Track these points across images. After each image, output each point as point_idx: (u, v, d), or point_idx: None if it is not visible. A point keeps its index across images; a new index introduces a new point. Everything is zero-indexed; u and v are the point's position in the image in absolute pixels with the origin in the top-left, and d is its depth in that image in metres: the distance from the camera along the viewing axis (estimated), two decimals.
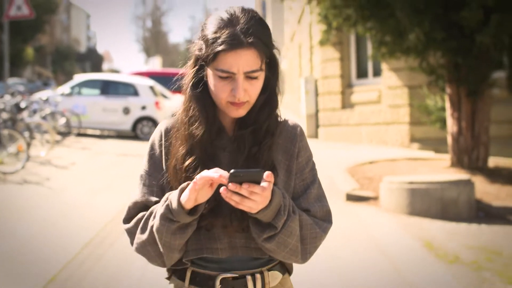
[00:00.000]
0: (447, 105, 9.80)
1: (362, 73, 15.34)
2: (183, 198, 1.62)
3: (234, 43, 1.65)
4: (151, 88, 16.75)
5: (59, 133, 14.41)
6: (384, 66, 13.84)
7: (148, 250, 1.75)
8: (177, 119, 1.83)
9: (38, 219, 7.25)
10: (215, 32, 1.68)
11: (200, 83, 1.76)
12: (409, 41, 8.19)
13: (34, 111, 13.84)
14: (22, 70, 62.89)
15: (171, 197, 1.67)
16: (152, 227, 1.71)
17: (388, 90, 13.97)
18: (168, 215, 1.65)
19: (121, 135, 17.05)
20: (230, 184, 1.52)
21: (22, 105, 11.81)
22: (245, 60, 1.66)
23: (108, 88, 16.74)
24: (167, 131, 1.85)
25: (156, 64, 79.68)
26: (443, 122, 10.62)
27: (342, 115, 15.46)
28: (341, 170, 10.26)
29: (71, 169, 10.98)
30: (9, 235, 6.54)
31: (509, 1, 7.73)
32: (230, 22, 1.68)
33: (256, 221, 1.67)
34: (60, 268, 5.37)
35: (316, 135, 16.35)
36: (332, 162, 10.89)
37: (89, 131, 16.82)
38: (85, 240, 6.27)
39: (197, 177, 1.58)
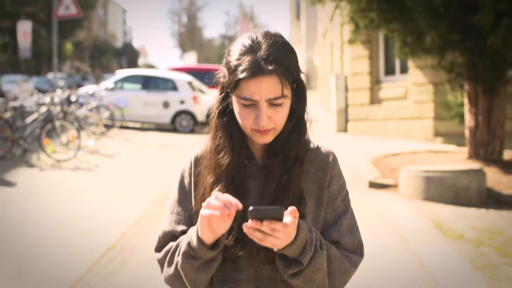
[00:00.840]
0: (465, 101, 10.51)
1: (389, 70, 16.05)
2: (200, 232, 1.61)
3: (254, 71, 1.63)
4: (189, 83, 17.70)
5: (104, 125, 15.45)
6: (410, 64, 14.50)
7: (175, 284, 1.76)
8: (206, 147, 1.82)
9: (91, 201, 8.21)
10: (237, 59, 1.67)
11: (226, 111, 1.75)
12: (427, 42, 8.96)
13: (81, 105, 14.88)
14: (61, 64, 64.64)
15: (191, 233, 1.66)
16: (177, 262, 1.71)
17: (413, 86, 14.66)
18: (190, 252, 1.64)
19: (160, 128, 18.04)
20: (250, 221, 1.49)
21: (73, 98, 12.82)
22: (267, 87, 1.64)
23: (148, 83, 17.77)
24: (197, 160, 1.84)
25: (191, 59, 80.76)
26: (461, 117, 11.33)
27: (370, 110, 16.20)
28: (366, 161, 11.05)
29: (117, 158, 11.97)
30: (68, 214, 7.50)
31: None
32: (251, 49, 1.67)
33: (282, 256, 1.64)
34: (118, 238, 6.32)
35: (345, 130, 17.13)
36: (359, 154, 11.69)
37: (131, 124, 17.83)
38: (135, 218, 7.23)
39: (204, 203, 1.58)
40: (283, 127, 1.72)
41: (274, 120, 1.68)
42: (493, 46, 8.66)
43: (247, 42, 1.69)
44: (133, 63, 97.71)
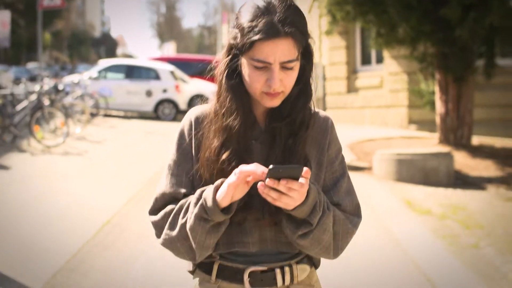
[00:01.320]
0: (436, 89, 11.14)
1: (366, 60, 16.67)
2: (219, 196, 1.60)
3: (271, 32, 1.62)
4: (172, 72, 18.21)
5: (89, 113, 15.84)
6: (386, 54, 15.11)
7: (177, 246, 1.73)
8: (210, 109, 1.79)
9: (83, 183, 8.69)
10: (251, 21, 1.64)
11: (234, 73, 1.73)
12: (399, 33, 9.56)
13: (67, 93, 15.25)
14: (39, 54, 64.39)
15: (205, 195, 1.64)
16: (182, 224, 1.69)
17: (389, 76, 15.27)
18: (203, 215, 1.62)
19: (143, 116, 18.51)
20: (268, 180, 1.50)
21: (60, 87, 13.21)
22: (282, 50, 1.64)
23: (132, 73, 18.24)
24: (198, 121, 1.80)
25: (170, 49, 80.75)
26: (433, 104, 11.96)
27: (347, 99, 16.80)
28: (343, 146, 11.59)
29: (104, 144, 12.43)
30: (62, 195, 7.98)
31: (485, 0, 9.02)
32: (266, 10, 1.65)
33: (290, 218, 1.65)
34: (112, 215, 6.82)
35: None
36: None
37: (114, 112, 18.24)
38: (126, 199, 7.73)
39: (236, 171, 1.57)
40: (291, 93, 1.72)
41: (284, 83, 1.67)
42: (461, 38, 9.24)
43: (262, 3, 1.66)
44: (111, 53, 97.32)
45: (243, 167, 1.56)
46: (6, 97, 11.82)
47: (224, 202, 1.59)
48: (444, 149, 9.89)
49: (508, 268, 5.08)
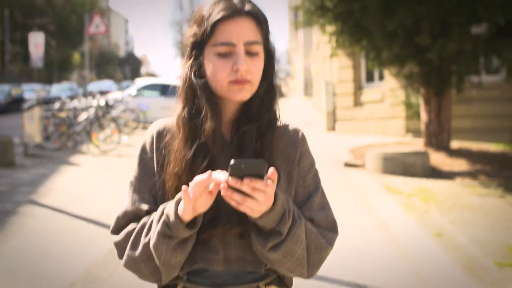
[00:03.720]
0: (421, 101, 13.54)
1: (370, 78, 19.12)
2: (181, 210, 1.51)
3: (231, 10, 1.59)
4: None
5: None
6: (386, 72, 17.52)
7: (140, 267, 1.64)
8: (174, 120, 1.70)
9: None
10: (210, 8, 1.62)
11: (200, 74, 1.65)
12: (383, 57, 12.06)
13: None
14: (69, 74, 67.58)
15: (167, 211, 1.54)
16: (145, 244, 1.60)
17: (389, 91, 17.67)
18: (167, 232, 1.53)
19: None
20: (230, 178, 1.40)
21: (110, 103, 15.82)
22: (244, 29, 1.59)
23: (165, 90, 20.87)
24: (159, 133, 1.72)
25: None
26: (419, 114, 14.36)
27: (354, 112, 19.23)
28: (346, 150, 14.08)
29: None
30: (119, 185, 10.48)
31: (450, 29, 11.39)
32: None
33: (259, 230, 1.57)
34: None
35: (334, 129, 20.15)
36: (342, 146, 14.74)
37: (149, 125, 20.79)
38: None
39: (191, 184, 1.47)
40: (257, 91, 1.65)
41: (252, 70, 1.60)
42: (432, 60, 11.65)
43: None
44: (136, 72, 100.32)
45: (197, 179, 1.46)
46: (70, 110, 14.45)
47: (186, 216, 1.51)
48: (422, 149, 12.28)
49: (447, 221, 7.46)
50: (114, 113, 16.44)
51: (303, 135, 1.79)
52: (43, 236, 6.97)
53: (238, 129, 1.66)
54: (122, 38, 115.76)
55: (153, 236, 1.57)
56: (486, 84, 15.09)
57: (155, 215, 1.60)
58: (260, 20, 1.63)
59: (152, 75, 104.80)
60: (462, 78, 12.40)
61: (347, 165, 12.17)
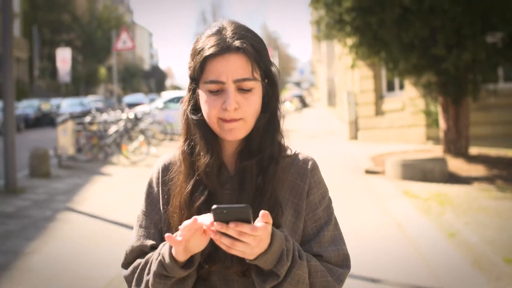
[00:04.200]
0: (439, 109, 13.91)
1: (390, 87, 19.51)
2: (174, 252, 1.49)
3: (220, 47, 1.55)
4: None
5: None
6: (406, 82, 17.89)
7: None
8: (177, 154, 1.70)
9: None
10: (203, 42, 1.60)
11: (197, 109, 1.64)
12: (401, 67, 12.50)
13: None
14: (96, 88, 68.78)
15: (163, 251, 1.54)
16: (147, 281, 1.59)
17: (409, 100, 18.05)
18: (162, 272, 1.53)
19: None
20: (215, 223, 1.37)
21: (139, 115, 16.43)
22: (234, 67, 1.54)
23: None
24: (165, 168, 1.73)
25: None
26: (438, 122, 14.74)
27: (375, 121, 19.63)
28: (367, 157, 14.50)
29: None
30: None
31: (465, 40, 11.78)
32: (218, 31, 1.60)
33: (258, 270, 1.52)
34: None
35: (356, 137, 20.56)
36: (363, 154, 15.16)
37: (176, 137, 21.46)
38: None
39: (180, 227, 1.45)
40: (257, 124, 1.60)
41: (243, 108, 1.56)
42: (449, 70, 12.05)
43: (214, 28, 1.62)
44: (160, 85, 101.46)
45: (184, 223, 1.44)
46: (101, 123, 15.09)
47: (180, 256, 1.48)
48: (441, 155, 12.64)
49: (461, 223, 7.86)
50: (142, 125, 17.03)
51: (313, 165, 1.71)
52: (80, 240, 7.52)
53: (241, 162, 1.63)
54: (146, 52, 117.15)
55: (151, 276, 1.57)
56: (504, 91, 15.49)
57: (155, 254, 1.60)
58: (252, 55, 1.57)
59: (176, 87, 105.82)
60: (477, 86, 12.75)
61: (368, 172, 12.58)
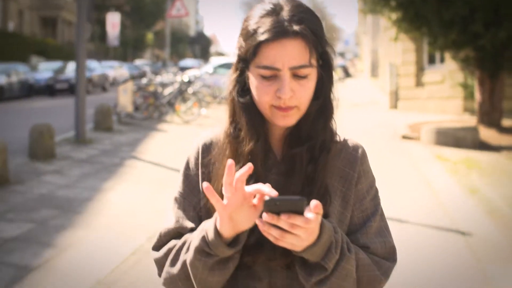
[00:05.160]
0: (476, 83, 14.70)
1: (431, 60, 20.24)
2: (219, 225, 1.39)
3: (277, 32, 1.41)
4: None
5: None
6: (446, 55, 18.61)
7: (178, 286, 1.53)
8: (220, 134, 1.59)
9: None
10: (256, 23, 1.44)
11: (245, 90, 1.51)
12: (439, 43, 13.34)
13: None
14: (143, 52, 70.27)
15: (207, 226, 1.43)
16: (185, 261, 1.49)
17: (449, 73, 18.78)
18: (205, 248, 1.42)
19: None
20: (265, 214, 1.26)
21: (192, 79, 17.58)
22: (291, 53, 1.41)
23: None
24: (205, 147, 1.62)
25: None
26: (473, 94, 15.54)
27: (415, 92, 20.41)
28: (405, 125, 15.41)
29: (222, 122, 16.71)
30: None
31: (502, 19, 12.53)
32: (273, 11, 1.44)
33: (303, 262, 1.43)
34: None
35: (396, 107, 21.39)
36: (401, 122, 16.07)
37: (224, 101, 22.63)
38: None
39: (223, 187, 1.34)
40: (308, 109, 1.49)
41: (298, 95, 1.44)
42: (485, 46, 12.83)
43: (268, 5, 1.47)
44: (205, 51, 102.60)
45: (238, 173, 1.32)
46: (156, 85, 16.29)
47: (226, 231, 1.38)
48: (473, 124, 13.52)
49: (484, 183, 8.80)
50: (194, 88, 18.19)
51: (363, 153, 1.61)
52: (146, 183, 8.71)
53: (289, 148, 1.53)
54: (192, 18, 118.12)
55: (189, 252, 1.46)
56: None
57: (196, 231, 1.49)
58: (311, 40, 1.43)
59: (221, 54, 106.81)
60: None
61: (404, 137, 13.51)
